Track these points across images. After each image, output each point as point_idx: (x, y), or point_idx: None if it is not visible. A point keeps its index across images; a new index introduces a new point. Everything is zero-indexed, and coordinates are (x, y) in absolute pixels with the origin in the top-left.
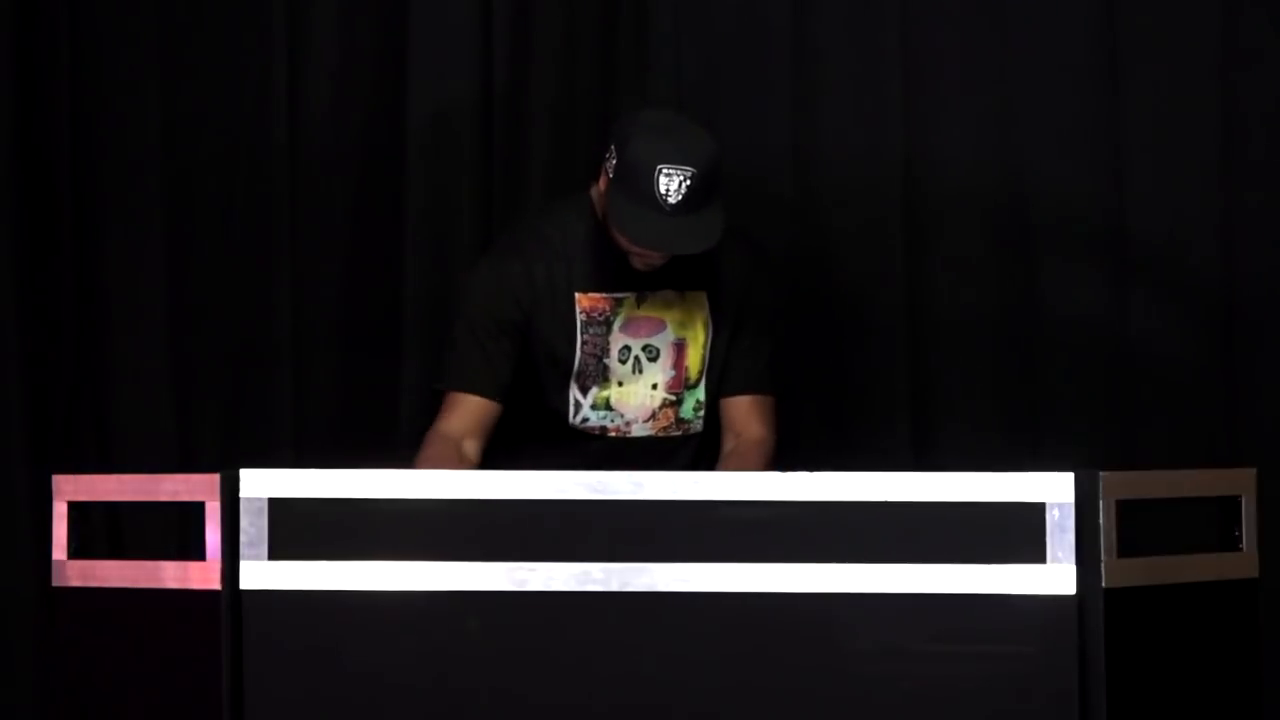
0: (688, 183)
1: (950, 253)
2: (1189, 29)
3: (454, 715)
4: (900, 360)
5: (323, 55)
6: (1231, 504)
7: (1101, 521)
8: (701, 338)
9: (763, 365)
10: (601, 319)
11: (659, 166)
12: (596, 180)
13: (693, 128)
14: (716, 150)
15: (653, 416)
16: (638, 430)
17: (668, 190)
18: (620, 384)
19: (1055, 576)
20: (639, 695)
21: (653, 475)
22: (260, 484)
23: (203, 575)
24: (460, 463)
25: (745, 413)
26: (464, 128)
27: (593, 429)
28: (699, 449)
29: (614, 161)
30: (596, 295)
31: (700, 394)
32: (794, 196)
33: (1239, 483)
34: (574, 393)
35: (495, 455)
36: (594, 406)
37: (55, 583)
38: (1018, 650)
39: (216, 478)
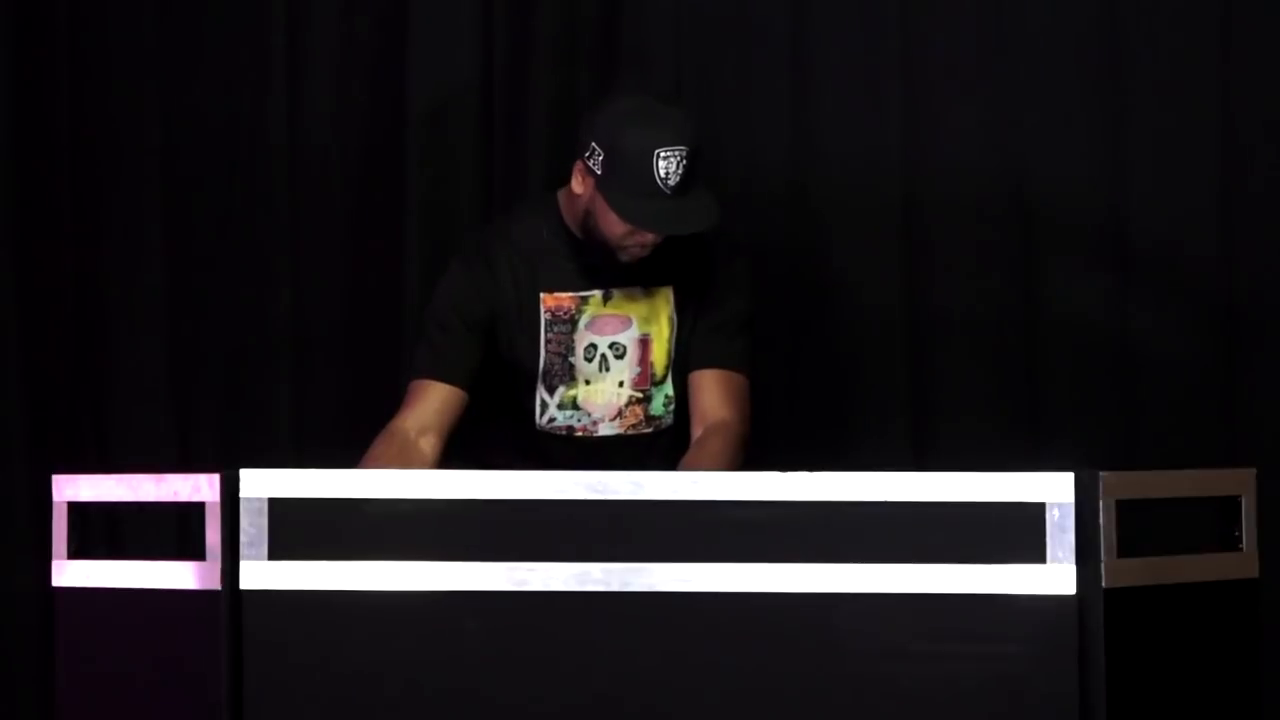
0: (684, 162)
1: (950, 252)
2: (1189, 29)
3: (454, 715)
4: (900, 360)
5: (322, 54)
6: (1231, 504)
7: (1101, 521)
8: (666, 333)
9: (727, 341)
10: (566, 318)
11: (656, 151)
12: (566, 182)
13: (672, 109)
14: (699, 126)
15: (619, 414)
16: (605, 429)
17: (667, 173)
18: (587, 382)
19: (1055, 576)
20: (639, 695)
21: (653, 475)
22: (260, 484)
23: (203, 575)
24: (406, 460)
25: (710, 391)
26: (464, 126)
27: (559, 429)
28: (672, 443)
29: (600, 157)
30: (562, 295)
31: (669, 389)
32: (793, 197)
33: (1239, 483)
34: (540, 393)
35: (462, 464)
36: (560, 406)
37: (55, 583)
38: (1018, 650)
39: (216, 478)
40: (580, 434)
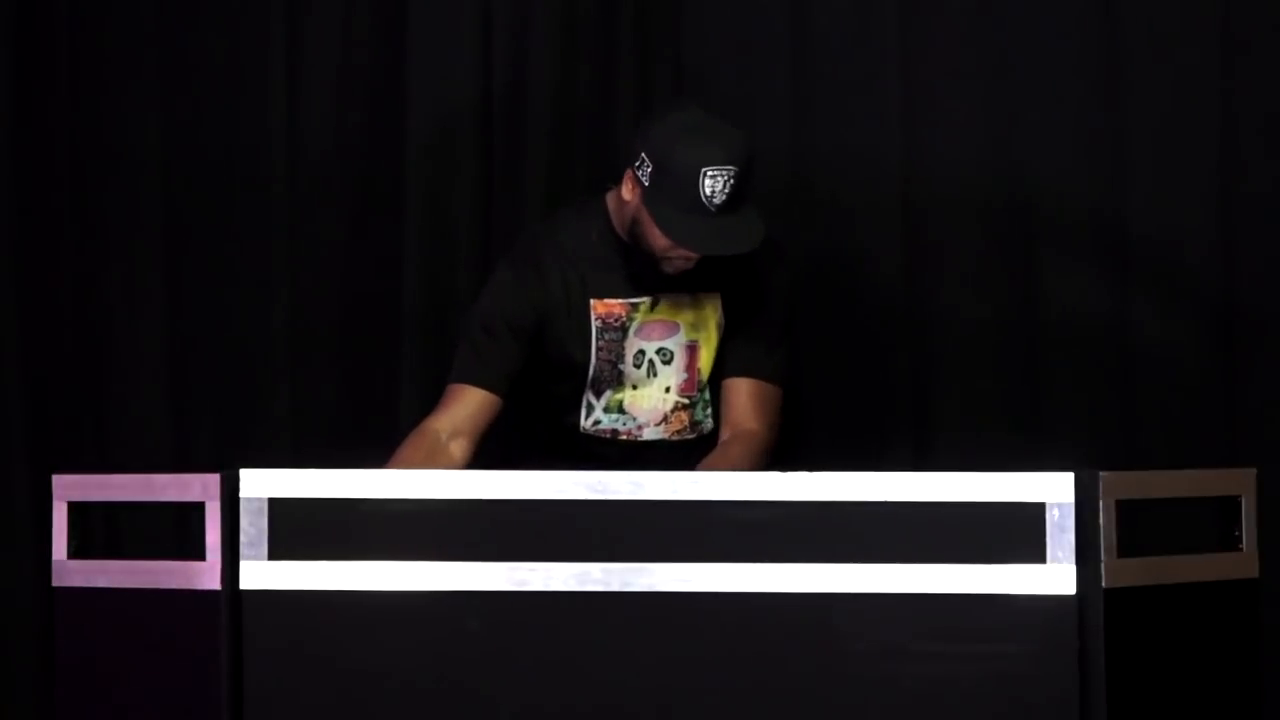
0: (731, 182)
1: (950, 253)
2: (1189, 29)
3: (454, 715)
4: (900, 360)
5: (322, 57)
6: (1231, 504)
7: (1101, 521)
8: (714, 339)
9: (764, 351)
10: (617, 325)
11: (704, 169)
12: (616, 187)
13: (725, 126)
14: (752, 145)
15: (665, 420)
16: (649, 434)
17: (713, 191)
18: (634, 387)
19: (1055, 576)
20: (639, 695)
21: (653, 475)
22: (260, 484)
23: (203, 575)
24: (435, 460)
25: (741, 399)
26: (464, 128)
27: (604, 432)
28: (713, 448)
29: (649, 169)
30: (612, 301)
31: (708, 394)
32: (792, 197)
33: (1239, 483)
34: (588, 397)
35: (504, 464)
36: (606, 410)
37: (55, 583)
38: (1018, 650)
39: (216, 478)
40: (625, 438)
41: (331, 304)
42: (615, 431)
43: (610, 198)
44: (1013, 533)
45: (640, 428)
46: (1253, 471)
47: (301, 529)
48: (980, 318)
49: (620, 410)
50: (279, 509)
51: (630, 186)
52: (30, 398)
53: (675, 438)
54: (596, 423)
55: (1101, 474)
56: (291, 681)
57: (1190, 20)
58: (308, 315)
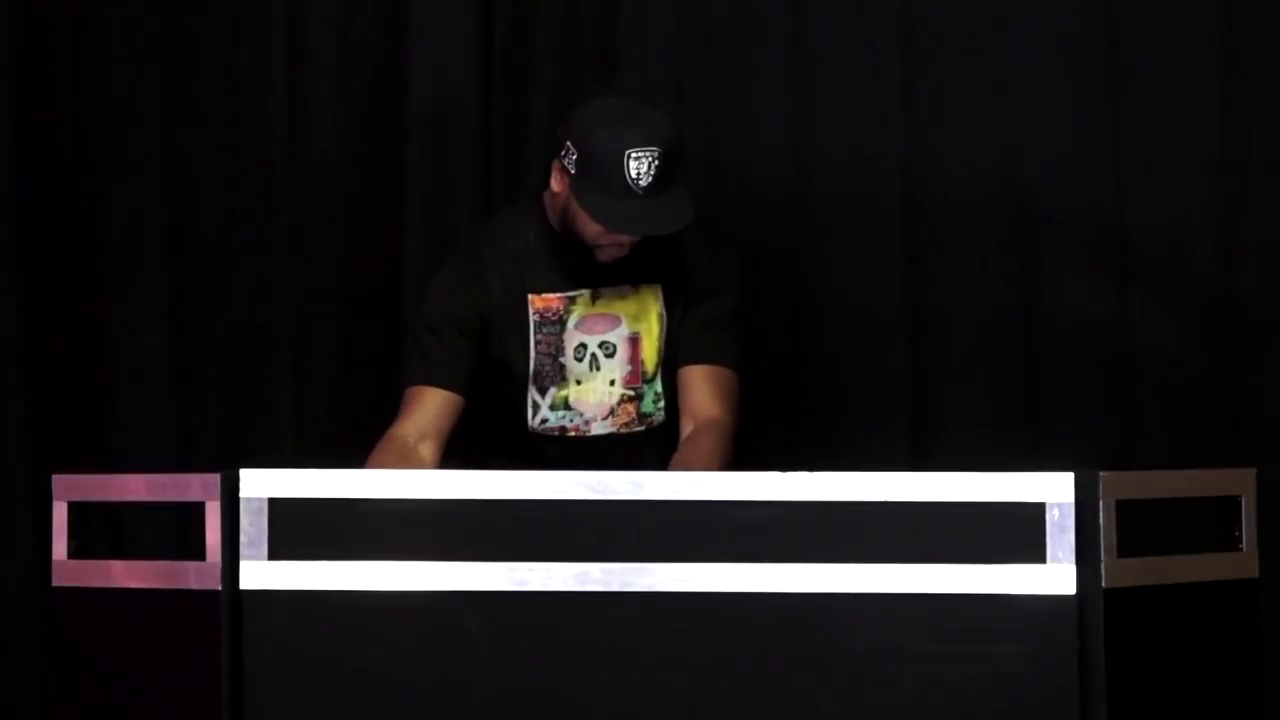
0: (656, 163)
1: (950, 252)
2: (1189, 30)
3: (454, 715)
4: (900, 360)
5: (322, 54)
6: (1231, 504)
7: (1101, 521)
8: (656, 330)
9: (717, 337)
10: (555, 319)
11: (627, 151)
12: (547, 182)
13: (648, 110)
14: (677, 128)
15: (612, 413)
16: (597, 428)
17: (638, 173)
18: (578, 382)
19: (1055, 576)
20: (639, 695)
21: (653, 475)
22: (260, 484)
23: (203, 575)
24: (406, 464)
25: (700, 386)
26: (464, 126)
27: (552, 430)
28: (665, 440)
29: (574, 156)
30: (550, 295)
31: (659, 386)
32: (793, 197)
33: (1239, 483)
34: (532, 395)
35: (458, 467)
36: (552, 407)
37: (55, 583)
38: (1018, 650)
39: (216, 478)
40: (573, 434)
41: (332, 304)
42: (563, 428)
43: (546, 195)
44: (1013, 533)
45: (588, 422)
46: (1253, 471)
47: (301, 529)
48: (980, 318)
49: (566, 406)
50: (279, 509)
51: (558, 177)
52: (30, 398)
53: (624, 430)
54: (544, 421)
55: (1101, 474)
56: (291, 681)
57: (1190, 20)
58: (309, 315)
